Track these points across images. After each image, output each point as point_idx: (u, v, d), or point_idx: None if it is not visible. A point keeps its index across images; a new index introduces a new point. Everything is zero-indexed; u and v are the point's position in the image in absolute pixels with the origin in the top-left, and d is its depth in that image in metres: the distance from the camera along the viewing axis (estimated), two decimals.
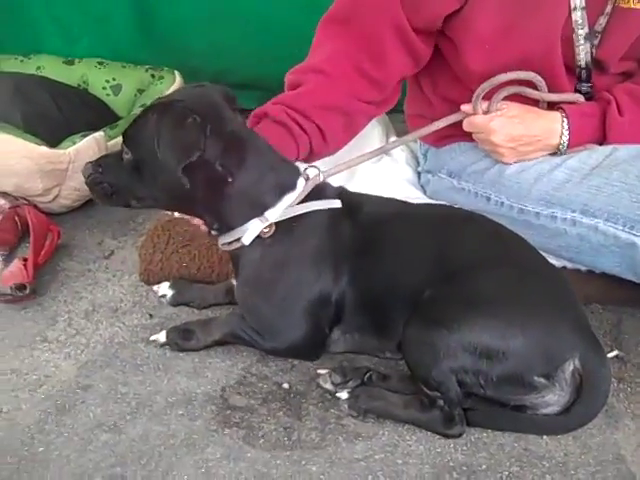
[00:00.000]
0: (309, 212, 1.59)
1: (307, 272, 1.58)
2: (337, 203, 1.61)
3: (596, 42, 1.75)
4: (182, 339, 1.71)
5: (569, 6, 1.69)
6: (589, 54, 1.76)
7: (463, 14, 1.71)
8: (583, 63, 1.77)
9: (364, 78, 1.74)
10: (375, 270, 1.57)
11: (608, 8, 1.71)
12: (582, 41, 1.73)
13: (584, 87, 1.80)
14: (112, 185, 1.59)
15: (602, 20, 1.73)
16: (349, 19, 1.74)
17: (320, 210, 1.59)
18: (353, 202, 1.64)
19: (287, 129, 1.70)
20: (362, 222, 1.60)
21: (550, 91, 1.76)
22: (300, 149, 1.72)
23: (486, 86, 1.72)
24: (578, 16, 1.70)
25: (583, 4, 1.69)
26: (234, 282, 1.71)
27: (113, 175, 1.58)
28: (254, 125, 1.71)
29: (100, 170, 1.59)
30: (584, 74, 1.79)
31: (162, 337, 1.73)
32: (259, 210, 1.56)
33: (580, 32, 1.72)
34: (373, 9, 1.72)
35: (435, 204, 1.90)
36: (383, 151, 1.93)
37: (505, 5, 1.68)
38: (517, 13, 1.69)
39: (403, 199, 1.74)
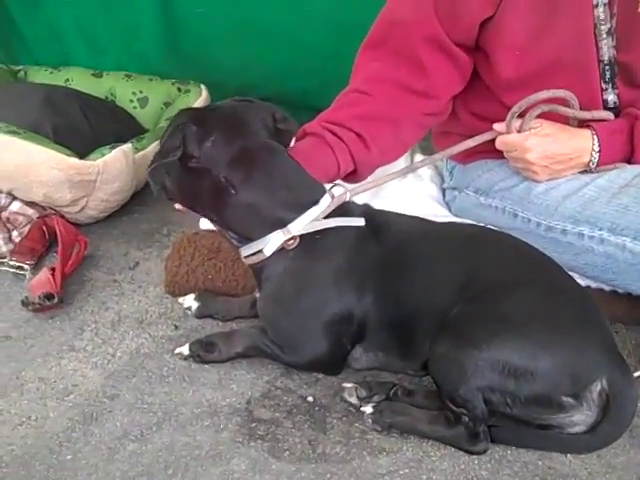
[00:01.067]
0: (334, 228, 1.59)
1: (330, 288, 1.59)
2: (361, 221, 1.62)
3: (613, 43, 1.75)
4: (204, 351, 1.72)
5: (592, 3, 1.71)
6: (611, 49, 1.75)
7: (495, 20, 1.72)
8: (606, 58, 1.76)
9: (406, 90, 1.77)
10: (401, 290, 1.57)
11: (615, 8, 1.71)
12: (604, 35, 1.73)
13: (611, 95, 1.80)
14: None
15: (612, 21, 1.73)
16: (385, 41, 1.77)
17: (346, 227, 1.60)
18: (379, 220, 1.64)
19: (321, 139, 1.71)
20: (388, 240, 1.61)
21: (582, 109, 1.77)
22: (339, 157, 1.71)
23: (523, 104, 1.72)
24: (600, 11, 1.71)
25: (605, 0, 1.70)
26: (257, 295, 1.73)
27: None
28: (298, 138, 1.74)
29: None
30: (608, 72, 1.78)
31: (185, 350, 1.74)
32: (274, 224, 1.57)
33: (602, 27, 1.72)
34: (408, 27, 1.74)
35: (461, 223, 1.91)
36: (411, 170, 1.93)
37: (536, 6, 1.70)
38: (548, 13, 1.70)
39: (428, 216, 1.75)
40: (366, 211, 1.67)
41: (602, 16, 1.72)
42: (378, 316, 1.58)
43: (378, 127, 1.75)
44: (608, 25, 1.72)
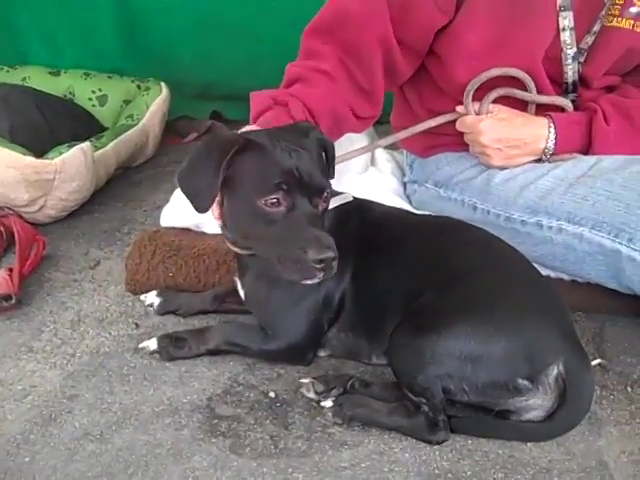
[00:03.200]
0: None
1: None
2: (349, 197, 1.64)
3: (582, 59, 1.79)
4: (174, 347, 1.71)
5: (557, 26, 1.73)
6: (577, 73, 1.80)
7: (451, 29, 1.75)
8: (571, 81, 1.81)
9: (358, 89, 1.76)
10: (374, 271, 1.60)
11: (596, 27, 1.75)
12: (570, 60, 1.78)
13: (570, 97, 1.84)
14: None
15: (589, 38, 1.77)
16: (335, 30, 1.75)
17: (331, 210, 1.59)
18: (361, 205, 1.68)
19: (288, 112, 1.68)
20: (368, 224, 1.64)
21: (539, 94, 1.80)
22: None
23: (476, 82, 1.76)
24: (567, 36, 1.75)
25: (572, 24, 1.73)
26: (237, 280, 1.72)
27: None
28: (267, 107, 1.70)
29: None
30: (570, 89, 1.83)
31: (153, 344, 1.72)
32: None
33: (569, 52, 1.77)
34: (359, 21, 1.74)
35: (435, 215, 1.91)
36: (374, 147, 1.96)
37: (494, 23, 1.72)
38: (505, 32, 1.73)
39: None
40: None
41: (568, 40, 1.75)
42: (353, 295, 1.61)
43: (329, 123, 1.74)
44: (574, 49, 1.76)
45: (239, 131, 1.58)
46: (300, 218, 1.43)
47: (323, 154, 1.56)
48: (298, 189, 1.44)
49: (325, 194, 1.48)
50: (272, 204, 1.43)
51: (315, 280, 1.43)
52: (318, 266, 1.40)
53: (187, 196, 1.48)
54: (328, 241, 1.41)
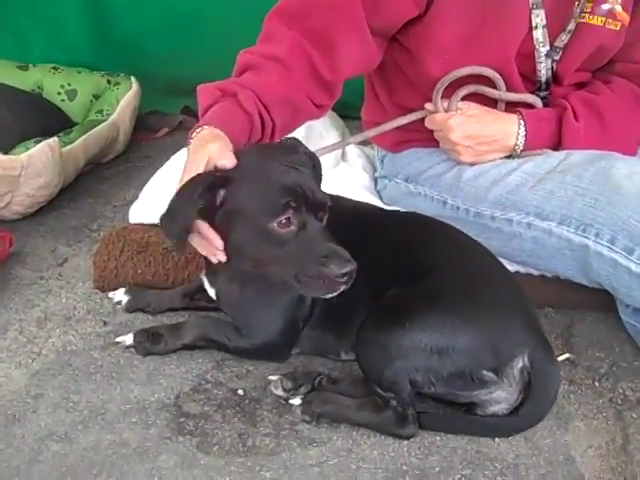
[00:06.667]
0: None
1: None
2: None
3: (557, 57, 1.79)
4: (150, 342, 1.70)
5: (530, 24, 1.73)
6: (550, 70, 1.80)
7: (424, 23, 1.73)
8: (544, 79, 1.81)
9: (316, 79, 1.71)
10: None
11: (571, 25, 1.75)
12: (543, 58, 1.78)
13: (541, 94, 1.84)
14: None
15: (564, 37, 1.76)
16: (301, 13, 1.70)
17: None
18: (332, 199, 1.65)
19: (251, 121, 1.62)
20: (336, 219, 1.58)
21: (509, 91, 1.80)
22: (250, 139, 1.64)
23: (446, 80, 1.76)
24: (539, 34, 1.74)
25: (544, 22, 1.73)
26: (204, 278, 1.70)
27: None
28: (215, 99, 1.62)
29: None
30: (543, 86, 1.84)
31: (129, 339, 1.72)
32: None
33: (541, 50, 1.76)
34: (330, 7, 1.69)
35: (403, 211, 1.90)
36: (344, 144, 1.95)
37: (467, 17, 1.71)
38: (477, 26, 1.71)
39: None
40: None
41: (541, 38, 1.75)
42: None
43: (286, 114, 1.69)
44: (547, 47, 1.76)
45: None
46: (313, 235, 1.42)
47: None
48: (305, 206, 1.42)
49: (327, 208, 1.47)
50: (284, 225, 1.41)
51: (337, 293, 1.42)
52: (342, 280, 1.40)
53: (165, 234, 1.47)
54: (346, 254, 1.41)
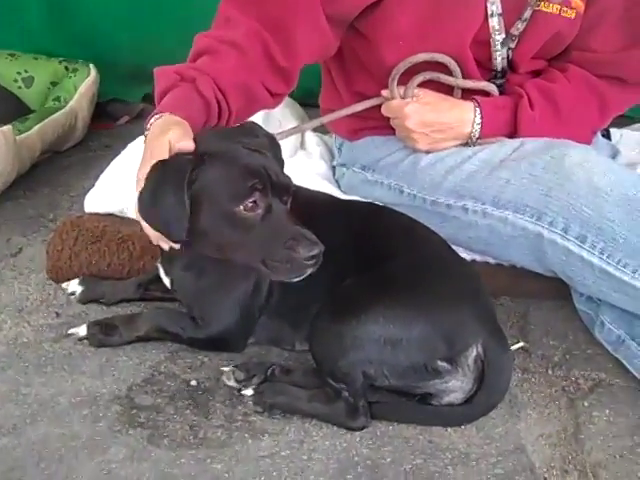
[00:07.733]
0: None
1: None
2: None
3: (513, 45, 1.78)
4: (104, 334, 1.68)
5: (486, 11, 1.72)
6: (505, 58, 1.80)
7: (381, 10, 1.71)
8: (500, 66, 1.81)
9: (272, 65, 1.68)
10: None
11: (527, 13, 1.74)
12: (499, 46, 1.77)
13: (497, 82, 1.84)
14: None
15: (520, 25, 1.76)
16: (259, 2, 1.67)
17: None
18: None
19: (208, 107, 1.58)
20: (292, 208, 1.58)
21: (465, 79, 1.79)
22: (207, 124, 1.60)
23: (402, 66, 1.75)
24: (495, 22, 1.74)
25: (500, 10, 1.72)
26: (160, 267, 1.68)
27: None
28: (173, 83, 1.59)
29: None
30: (499, 74, 1.83)
31: (82, 331, 1.69)
32: None
33: (497, 37, 1.76)
34: None
35: (359, 200, 1.89)
36: (299, 130, 1.94)
37: (424, 4, 1.70)
38: (433, 14, 1.70)
39: None
40: None
41: (497, 26, 1.74)
42: (279, 282, 1.55)
43: (241, 101, 1.66)
44: (503, 35, 1.75)
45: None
46: (279, 218, 1.41)
47: None
48: (270, 189, 1.41)
49: (291, 191, 1.45)
50: (250, 208, 1.39)
51: (304, 276, 1.41)
52: (309, 262, 1.39)
53: (158, 230, 1.42)
54: (313, 236, 1.39)
